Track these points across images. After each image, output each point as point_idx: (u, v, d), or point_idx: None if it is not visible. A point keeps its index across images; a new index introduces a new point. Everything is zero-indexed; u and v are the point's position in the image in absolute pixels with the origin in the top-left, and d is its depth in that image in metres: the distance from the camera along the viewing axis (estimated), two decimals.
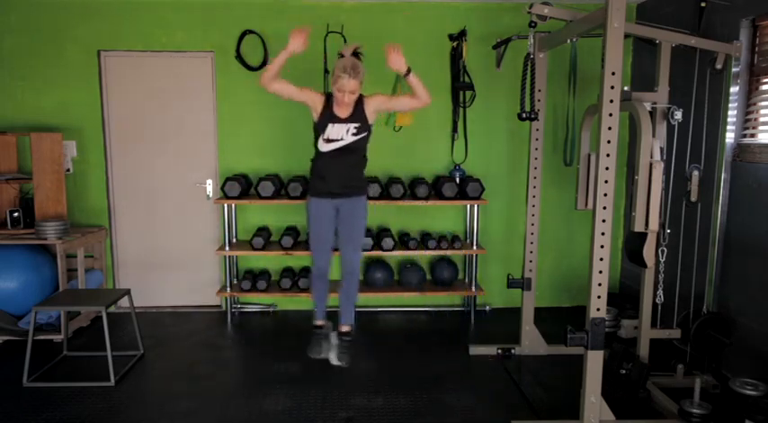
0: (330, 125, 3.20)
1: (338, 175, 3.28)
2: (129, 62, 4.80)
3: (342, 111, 3.21)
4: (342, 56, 3.23)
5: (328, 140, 3.22)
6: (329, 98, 3.23)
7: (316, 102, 3.22)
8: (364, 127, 3.25)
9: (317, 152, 3.29)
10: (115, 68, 4.81)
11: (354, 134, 3.23)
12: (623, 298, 4.79)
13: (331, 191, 3.29)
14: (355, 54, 3.26)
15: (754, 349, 3.44)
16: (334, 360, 3.43)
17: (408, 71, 3.16)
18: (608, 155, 2.79)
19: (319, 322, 3.51)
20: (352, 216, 3.36)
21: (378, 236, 4.76)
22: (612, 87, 2.75)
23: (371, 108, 3.26)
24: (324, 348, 3.45)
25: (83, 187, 4.86)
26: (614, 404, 3.00)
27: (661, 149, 3.25)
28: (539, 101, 3.75)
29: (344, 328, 3.47)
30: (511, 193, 5.02)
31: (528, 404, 3.33)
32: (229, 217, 4.72)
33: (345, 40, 4.72)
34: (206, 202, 4.99)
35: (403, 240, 4.77)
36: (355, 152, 3.29)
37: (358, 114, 3.23)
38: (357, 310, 4.85)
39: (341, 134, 3.21)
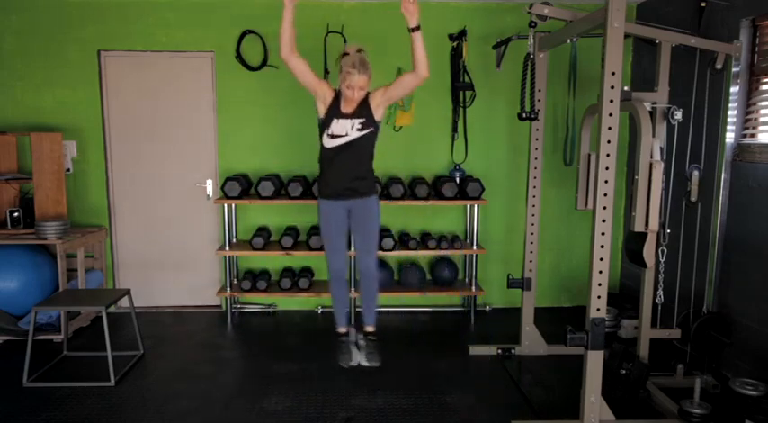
0: (335, 120, 3.18)
1: (343, 174, 3.23)
2: (129, 62, 4.80)
3: (347, 107, 3.19)
4: (346, 54, 3.19)
5: (332, 136, 3.19)
6: (338, 95, 3.21)
7: (327, 95, 3.19)
8: (369, 123, 3.21)
9: (322, 149, 3.26)
10: (115, 68, 4.81)
11: (359, 129, 3.19)
12: (623, 298, 4.79)
13: (338, 191, 3.25)
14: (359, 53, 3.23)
15: (754, 349, 3.45)
16: (364, 362, 3.41)
17: (417, 27, 3.08)
18: (608, 155, 2.79)
19: (342, 329, 3.49)
20: (364, 218, 3.32)
21: None
22: (612, 87, 2.75)
23: (375, 102, 3.21)
24: (353, 355, 3.43)
25: (83, 187, 4.86)
26: (614, 404, 3.00)
27: (661, 149, 3.25)
28: (539, 101, 3.75)
29: (368, 329, 3.48)
30: (511, 193, 5.02)
31: (528, 404, 3.33)
32: (229, 217, 4.72)
33: (345, 41, 4.73)
34: (206, 202, 4.99)
35: (403, 240, 4.77)
36: (360, 149, 3.24)
37: (363, 110, 3.20)
38: (357, 309, 4.88)
39: (345, 129, 3.19)
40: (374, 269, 3.40)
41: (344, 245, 3.39)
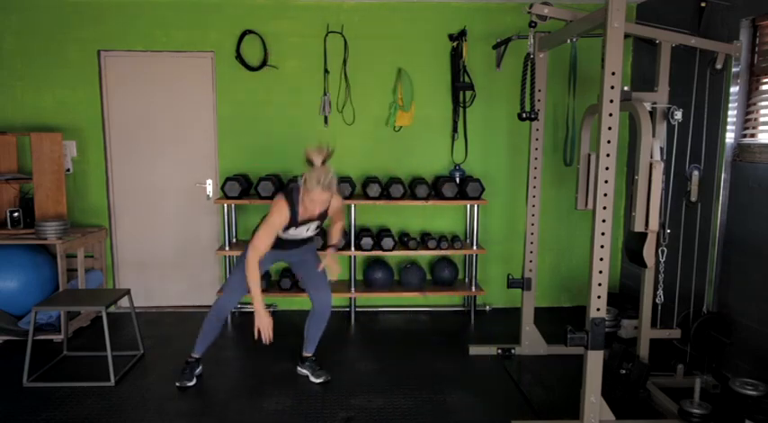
0: (293, 227, 3.30)
1: (291, 247, 3.50)
2: (129, 62, 4.80)
3: (305, 215, 3.26)
4: (311, 162, 3.17)
5: (288, 234, 3.34)
6: (292, 205, 3.23)
7: (285, 217, 3.23)
8: (322, 222, 3.43)
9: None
10: (115, 68, 4.82)
11: (314, 229, 3.43)
12: (623, 298, 4.79)
13: (279, 247, 3.42)
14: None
15: (754, 349, 3.45)
16: (314, 379, 3.59)
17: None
18: (608, 155, 2.79)
19: (197, 355, 3.62)
20: (309, 257, 3.56)
21: (378, 236, 4.76)
22: (612, 87, 2.75)
23: (331, 211, 3.39)
24: (193, 378, 3.58)
25: (83, 187, 4.86)
26: (614, 404, 3.00)
27: (661, 149, 3.25)
28: (539, 101, 3.75)
29: (308, 354, 3.71)
30: (511, 193, 5.02)
31: (528, 404, 3.33)
32: (229, 217, 4.72)
33: (345, 41, 4.73)
34: (206, 202, 4.99)
35: (403, 240, 4.77)
36: (310, 240, 3.56)
37: (320, 215, 3.33)
38: (357, 309, 4.89)
39: (301, 233, 3.37)
40: (331, 305, 3.60)
41: (245, 290, 3.49)
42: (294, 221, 3.26)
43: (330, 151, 3.19)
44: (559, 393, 3.45)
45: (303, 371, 3.67)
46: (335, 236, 3.59)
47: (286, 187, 3.38)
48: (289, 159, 4.89)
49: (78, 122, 4.78)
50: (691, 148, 3.90)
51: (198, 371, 3.62)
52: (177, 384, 3.50)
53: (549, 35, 3.70)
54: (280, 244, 3.38)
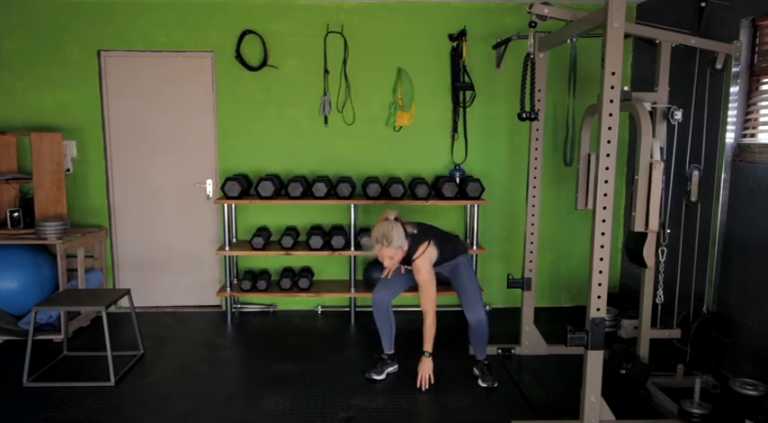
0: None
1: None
2: (129, 62, 4.80)
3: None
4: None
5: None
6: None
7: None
8: (411, 264, 3.57)
9: None
10: (115, 68, 4.82)
11: (407, 268, 3.65)
12: (623, 298, 4.79)
13: None
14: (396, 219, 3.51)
15: (754, 349, 3.45)
16: (482, 383, 3.59)
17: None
18: (608, 155, 2.79)
19: (388, 351, 3.80)
20: (461, 274, 3.72)
21: None
22: (612, 87, 2.75)
23: (415, 271, 3.56)
24: (383, 372, 3.71)
25: (83, 187, 4.86)
26: (614, 404, 3.00)
27: (661, 149, 3.25)
28: (539, 101, 3.75)
29: (481, 359, 3.72)
30: (511, 193, 5.02)
31: (528, 404, 3.33)
32: (229, 217, 4.72)
33: (345, 41, 4.73)
34: (206, 202, 4.99)
35: None
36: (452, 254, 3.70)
37: (405, 262, 3.58)
38: (357, 309, 4.89)
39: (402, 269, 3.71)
40: (483, 319, 3.62)
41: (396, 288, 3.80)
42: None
43: (397, 214, 3.55)
44: (559, 393, 3.45)
45: (476, 372, 3.70)
46: (426, 337, 3.64)
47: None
48: (289, 159, 4.89)
49: (78, 122, 4.78)
50: (691, 148, 3.90)
51: (391, 369, 3.75)
52: (366, 376, 3.65)
53: (549, 35, 3.70)
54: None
